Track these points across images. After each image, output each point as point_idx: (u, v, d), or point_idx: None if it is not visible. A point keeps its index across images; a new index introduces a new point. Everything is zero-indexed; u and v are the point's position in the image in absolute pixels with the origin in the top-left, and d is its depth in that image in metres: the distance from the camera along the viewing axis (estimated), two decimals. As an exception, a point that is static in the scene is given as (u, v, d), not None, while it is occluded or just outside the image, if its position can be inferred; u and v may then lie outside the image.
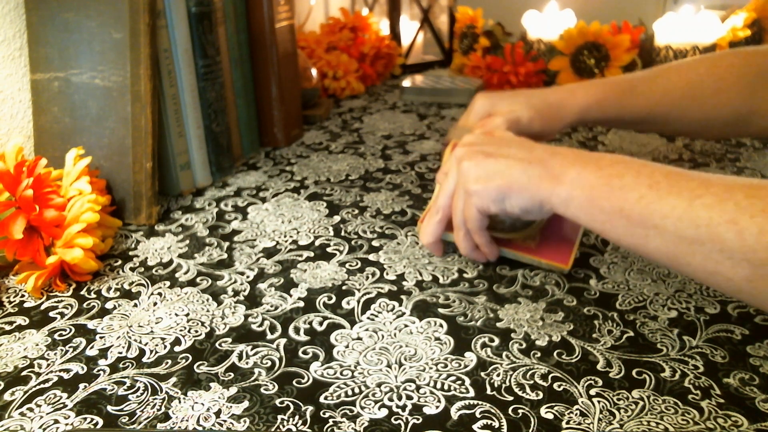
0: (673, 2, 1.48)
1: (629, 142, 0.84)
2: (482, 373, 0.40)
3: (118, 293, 0.51)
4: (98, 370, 0.41)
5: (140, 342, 0.44)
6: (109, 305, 0.49)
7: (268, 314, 0.47)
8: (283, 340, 0.44)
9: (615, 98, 0.64)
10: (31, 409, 0.38)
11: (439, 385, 0.39)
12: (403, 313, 0.47)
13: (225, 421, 0.37)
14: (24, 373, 0.41)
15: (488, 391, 0.38)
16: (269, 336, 0.44)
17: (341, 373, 0.40)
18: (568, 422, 0.36)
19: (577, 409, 0.37)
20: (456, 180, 0.49)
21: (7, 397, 0.39)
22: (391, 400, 0.38)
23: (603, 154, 0.44)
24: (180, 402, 0.38)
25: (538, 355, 0.42)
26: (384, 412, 0.37)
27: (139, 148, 0.61)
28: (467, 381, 0.39)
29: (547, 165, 0.44)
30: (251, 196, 0.69)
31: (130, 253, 0.57)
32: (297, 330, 0.45)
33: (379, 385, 0.39)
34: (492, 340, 0.43)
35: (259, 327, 0.46)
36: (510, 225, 0.52)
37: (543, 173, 0.44)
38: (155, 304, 0.49)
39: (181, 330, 0.45)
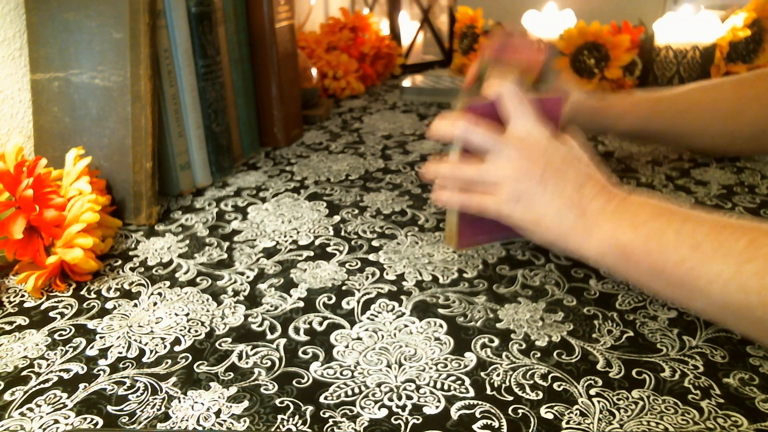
0: (673, 2, 1.48)
1: (629, 142, 0.84)
2: (482, 373, 0.40)
3: (118, 293, 0.51)
4: (98, 370, 0.41)
5: (140, 342, 0.44)
6: (109, 305, 0.49)
7: (268, 314, 0.47)
8: (283, 340, 0.44)
9: (647, 106, 0.67)
10: (31, 409, 0.38)
11: (439, 385, 0.39)
12: (403, 314, 0.47)
13: (225, 420, 0.37)
14: (24, 373, 0.41)
15: (488, 391, 0.38)
16: (269, 336, 0.44)
17: (341, 373, 0.40)
18: (568, 422, 0.36)
19: (577, 409, 0.37)
20: (493, 169, 0.45)
21: (7, 397, 0.39)
22: (391, 400, 0.38)
23: (642, 202, 0.41)
24: (180, 402, 0.38)
25: (538, 355, 0.42)
26: (384, 412, 0.37)
27: (139, 148, 0.61)
28: (467, 381, 0.39)
29: (584, 215, 0.42)
30: (251, 196, 0.69)
31: (130, 253, 0.57)
32: (297, 330, 0.45)
33: (379, 385, 0.39)
34: (492, 341, 0.43)
35: (259, 327, 0.46)
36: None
37: (577, 225, 0.42)
38: (155, 304, 0.49)
39: (181, 330, 0.45)
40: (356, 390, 0.39)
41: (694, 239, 0.37)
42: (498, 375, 0.40)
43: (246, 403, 0.38)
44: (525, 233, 0.45)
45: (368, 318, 0.46)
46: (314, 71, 0.97)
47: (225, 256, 0.56)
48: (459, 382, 0.39)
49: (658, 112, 0.67)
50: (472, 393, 0.38)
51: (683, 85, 0.70)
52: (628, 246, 0.40)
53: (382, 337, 0.44)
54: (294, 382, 0.40)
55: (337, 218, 0.63)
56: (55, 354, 0.43)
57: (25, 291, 0.51)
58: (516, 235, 0.51)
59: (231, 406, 0.38)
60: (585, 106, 0.67)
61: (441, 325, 0.45)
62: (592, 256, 0.42)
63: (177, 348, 0.43)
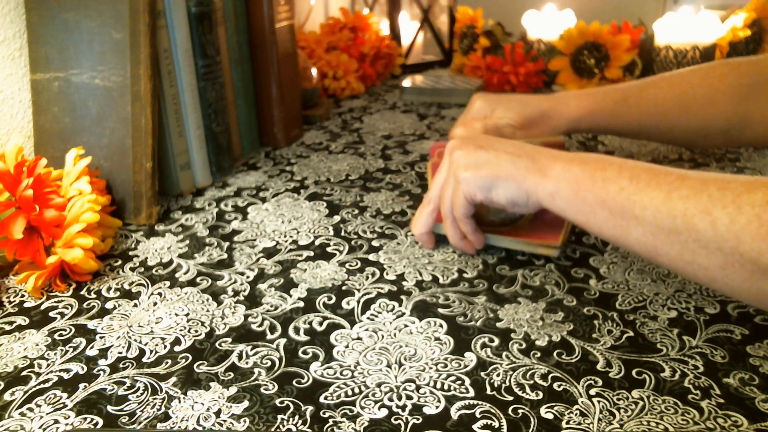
0: (673, 2, 1.48)
1: (629, 142, 0.84)
2: (482, 373, 0.40)
3: (118, 293, 0.51)
4: (98, 370, 0.41)
5: (140, 342, 0.44)
6: (109, 305, 0.49)
7: (268, 314, 0.47)
8: (283, 340, 0.44)
9: (607, 109, 0.65)
10: (31, 409, 0.38)
11: (439, 385, 0.39)
12: (403, 313, 0.47)
13: (225, 420, 0.37)
14: (24, 373, 0.41)
15: (488, 391, 0.38)
16: (269, 336, 0.44)
17: (341, 373, 0.40)
18: (568, 422, 0.36)
19: (577, 409, 0.37)
20: (447, 169, 0.51)
21: (7, 397, 0.39)
22: (391, 400, 0.38)
23: (589, 154, 0.45)
24: (180, 402, 0.38)
25: (538, 355, 0.42)
26: (384, 412, 0.37)
27: (139, 148, 0.61)
28: (467, 381, 0.39)
29: (535, 159, 0.46)
30: (251, 196, 0.69)
31: (130, 253, 0.57)
32: (297, 330, 0.45)
33: (379, 385, 0.39)
34: (492, 340, 0.43)
35: (259, 327, 0.46)
36: (500, 221, 0.53)
37: (530, 166, 0.46)
38: (155, 304, 0.49)
39: (181, 330, 0.45)
40: (356, 390, 0.39)
41: (633, 172, 0.41)
42: (498, 375, 0.40)
43: (246, 403, 0.38)
44: (496, 198, 0.48)
45: (368, 318, 0.46)
46: (314, 71, 0.97)
47: (225, 256, 0.56)
48: (459, 382, 0.39)
49: (619, 117, 0.65)
50: (472, 393, 0.38)
51: (651, 76, 0.67)
52: (579, 178, 0.43)
53: (382, 337, 0.44)
54: (294, 382, 0.40)
55: (337, 218, 0.63)
56: (55, 354, 0.43)
57: (25, 291, 0.51)
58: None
59: (231, 406, 0.38)
60: (534, 120, 0.65)
61: (441, 325, 0.45)
62: (547, 195, 0.45)
63: (177, 348, 0.43)
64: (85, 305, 0.49)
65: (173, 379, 0.40)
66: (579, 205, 0.43)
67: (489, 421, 0.36)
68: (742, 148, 0.80)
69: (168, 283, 0.52)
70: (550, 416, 0.36)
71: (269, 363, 0.42)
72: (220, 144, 0.72)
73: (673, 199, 0.38)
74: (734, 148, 0.80)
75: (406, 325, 0.45)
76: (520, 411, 0.37)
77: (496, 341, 0.43)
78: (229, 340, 0.44)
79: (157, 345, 0.44)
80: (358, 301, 0.48)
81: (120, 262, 0.56)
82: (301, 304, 0.48)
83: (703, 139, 0.67)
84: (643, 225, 0.40)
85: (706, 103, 0.64)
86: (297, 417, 0.37)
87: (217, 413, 0.37)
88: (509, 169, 0.47)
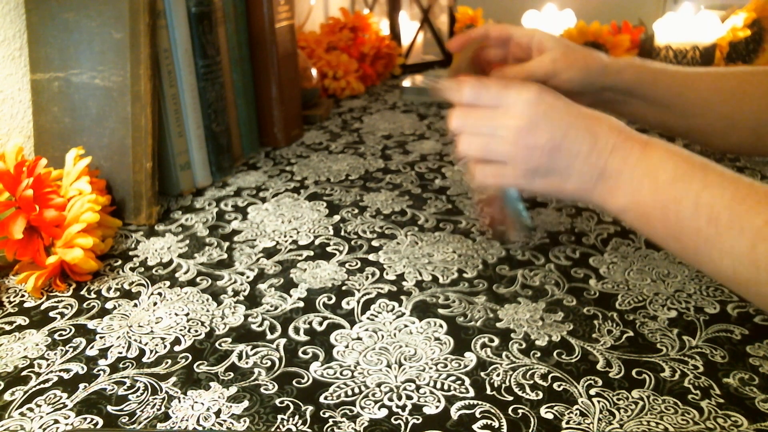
0: (673, 2, 1.48)
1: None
2: (482, 373, 0.40)
3: (118, 293, 0.51)
4: (98, 370, 0.41)
5: (140, 342, 0.44)
6: (109, 305, 0.49)
7: (268, 314, 0.47)
8: (283, 340, 0.44)
9: (650, 69, 0.60)
10: (31, 409, 0.38)
11: (439, 385, 0.39)
12: (403, 314, 0.47)
13: (225, 420, 0.37)
14: (24, 373, 0.41)
15: (488, 391, 0.38)
16: (269, 336, 0.44)
17: (341, 373, 0.40)
18: (568, 422, 0.36)
19: (577, 409, 0.37)
20: (500, 145, 0.43)
21: (7, 397, 0.39)
22: (391, 400, 0.38)
23: (662, 157, 0.40)
24: (180, 402, 0.38)
25: (538, 355, 0.42)
26: (384, 412, 0.37)
27: (139, 148, 0.61)
28: (467, 381, 0.39)
29: (603, 172, 0.41)
30: (251, 196, 0.69)
31: (130, 253, 0.57)
32: (297, 330, 0.45)
33: (379, 385, 0.39)
34: (492, 340, 0.43)
35: (259, 327, 0.46)
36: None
37: (598, 185, 0.41)
38: (155, 304, 0.49)
39: (181, 330, 0.45)
40: (356, 390, 0.39)
41: (712, 211, 0.36)
42: (498, 375, 0.40)
43: (246, 403, 0.38)
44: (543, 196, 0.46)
45: (368, 318, 0.46)
46: (314, 71, 0.97)
47: (225, 256, 0.56)
48: (459, 382, 0.39)
49: (662, 79, 0.59)
50: (472, 393, 0.38)
51: (686, 67, 0.66)
52: (648, 209, 0.39)
53: (382, 337, 0.44)
54: (294, 382, 0.40)
55: (337, 218, 0.63)
56: (55, 354, 0.43)
57: (25, 291, 0.51)
58: None
59: (231, 406, 0.38)
60: (575, 62, 0.57)
61: (441, 325, 0.45)
62: (614, 213, 0.42)
63: (177, 348, 0.43)
64: (85, 305, 0.49)
65: (173, 379, 0.40)
66: (650, 232, 0.41)
67: (489, 421, 0.36)
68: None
69: (168, 283, 0.52)
70: (550, 416, 0.36)
71: (269, 363, 0.42)
72: (220, 144, 0.72)
73: (759, 252, 0.34)
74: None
75: (406, 325, 0.45)
76: (520, 411, 0.37)
77: (496, 341, 0.43)
78: (229, 340, 0.44)
79: (157, 345, 0.44)
80: (358, 301, 0.48)
81: (120, 262, 0.56)
82: (301, 304, 0.48)
83: (730, 132, 0.64)
84: (720, 269, 0.37)
85: (737, 96, 0.61)
86: (297, 417, 0.37)
87: (217, 413, 0.37)
88: (576, 183, 0.42)
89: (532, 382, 0.39)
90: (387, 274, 0.52)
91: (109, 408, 0.38)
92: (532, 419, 0.36)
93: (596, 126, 0.41)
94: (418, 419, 0.36)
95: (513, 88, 0.42)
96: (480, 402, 0.37)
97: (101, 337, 0.45)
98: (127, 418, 0.37)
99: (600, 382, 0.39)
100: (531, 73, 0.53)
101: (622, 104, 0.61)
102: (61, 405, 0.38)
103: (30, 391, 0.39)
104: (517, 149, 0.42)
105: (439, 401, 0.38)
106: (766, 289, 0.35)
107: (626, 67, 0.59)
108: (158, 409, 0.38)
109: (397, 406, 0.37)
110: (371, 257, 0.55)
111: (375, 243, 0.58)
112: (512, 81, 0.44)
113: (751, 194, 0.36)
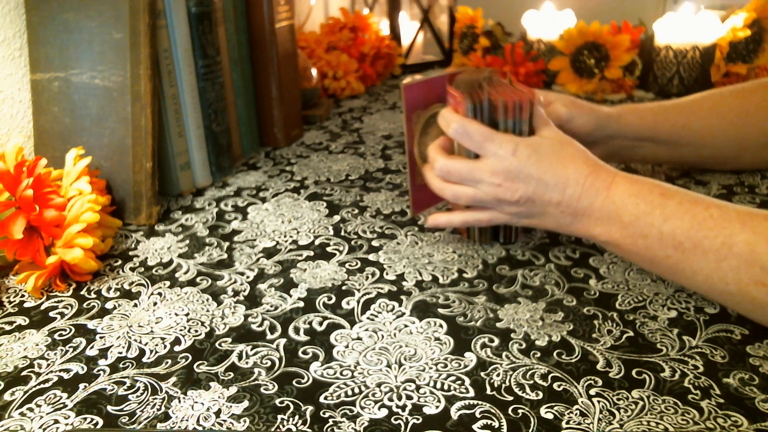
0: (673, 2, 1.48)
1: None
2: (482, 373, 0.40)
3: (118, 293, 0.51)
4: (98, 370, 0.41)
5: (140, 342, 0.44)
6: (109, 305, 0.49)
7: (268, 314, 0.47)
8: (283, 340, 0.44)
9: (650, 109, 0.64)
10: (31, 409, 0.38)
11: (439, 385, 0.39)
12: (403, 314, 0.47)
13: (225, 420, 0.37)
14: (24, 373, 0.41)
15: (488, 391, 0.38)
16: (269, 336, 0.44)
17: (341, 373, 0.40)
18: (568, 422, 0.36)
19: (577, 409, 0.37)
20: (485, 194, 0.49)
21: (7, 397, 0.39)
22: (391, 400, 0.38)
23: (623, 198, 0.45)
24: (180, 402, 0.38)
25: (538, 355, 0.42)
26: (384, 412, 0.37)
27: (139, 148, 0.61)
28: (467, 381, 0.39)
29: (576, 214, 0.47)
30: (251, 196, 0.69)
31: (130, 253, 0.57)
32: (297, 330, 0.45)
33: (379, 385, 0.39)
34: (492, 340, 0.43)
35: (259, 327, 0.46)
36: None
37: (574, 224, 0.48)
38: (155, 304, 0.49)
39: (181, 330, 0.45)
40: (356, 390, 0.39)
41: (674, 239, 0.42)
42: (498, 375, 0.40)
43: (246, 403, 0.38)
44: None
45: (368, 318, 0.46)
46: (314, 71, 0.97)
47: (225, 256, 0.56)
48: (459, 382, 0.39)
49: (662, 116, 0.64)
50: (472, 393, 0.38)
51: (685, 96, 0.67)
52: (620, 242, 0.45)
53: (382, 337, 0.44)
54: (294, 382, 0.40)
55: (337, 218, 0.63)
56: (55, 354, 0.43)
57: (25, 291, 0.51)
58: None
59: (231, 406, 0.38)
60: (582, 107, 0.64)
61: (441, 325, 0.45)
62: (596, 243, 0.49)
63: (177, 348, 0.43)
64: (85, 305, 0.49)
65: (173, 379, 0.40)
66: (628, 258, 0.47)
67: (489, 421, 0.36)
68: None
69: (168, 283, 0.52)
70: (550, 416, 0.36)
71: (269, 363, 0.42)
72: (220, 144, 0.72)
73: (723, 269, 0.40)
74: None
75: (406, 325, 0.45)
76: (520, 411, 0.37)
77: (496, 341, 0.43)
78: (229, 340, 0.44)
79: (157, 345, 0.44)
80: (358, 301, 0.48)
81: (120, 262, 0.56)
82: (301, 304, 0.48)
83: (740, 155, 0.66)
84: (696, 285, 0.43)
85: (741, 115, 0.64)
86: (297, 417, 0.37)
87: (217, 413, 0.37)
88: (555, 224, 0.49)
89: (532, 382, 0.39)
90: (387, 274, 0.52)
91: (109, 408, 0.38)
92: (532, 419, 0.36)
93: (564, 174, 0.47)
94: (418, 419, 0.36)
95: (494, 140, 0.48)
96: (480, 402, 0.37)
97: (101, 337, 0.45)
98: (127, 418, 0.37)
99: (600, 382, 0.39)
100: (551, 117, 0.57)
101: (632, 150, 0.66)
102: (61, 405, 0.38)
103: (30, 391, 0.39)
104: (498, 202, 0.49)
105: (439, 401, 0.38)
106: (739, 299, 0.41)
107: (625, 112, 0.64)
108: (158, 409, 0.38)
109: (397, 406, 0.37)
110: (371, 257, 0.55)
111: (375, 243, 0.58)
112: (494, 133, 0.48)
113: (707, 219, 0.41)
